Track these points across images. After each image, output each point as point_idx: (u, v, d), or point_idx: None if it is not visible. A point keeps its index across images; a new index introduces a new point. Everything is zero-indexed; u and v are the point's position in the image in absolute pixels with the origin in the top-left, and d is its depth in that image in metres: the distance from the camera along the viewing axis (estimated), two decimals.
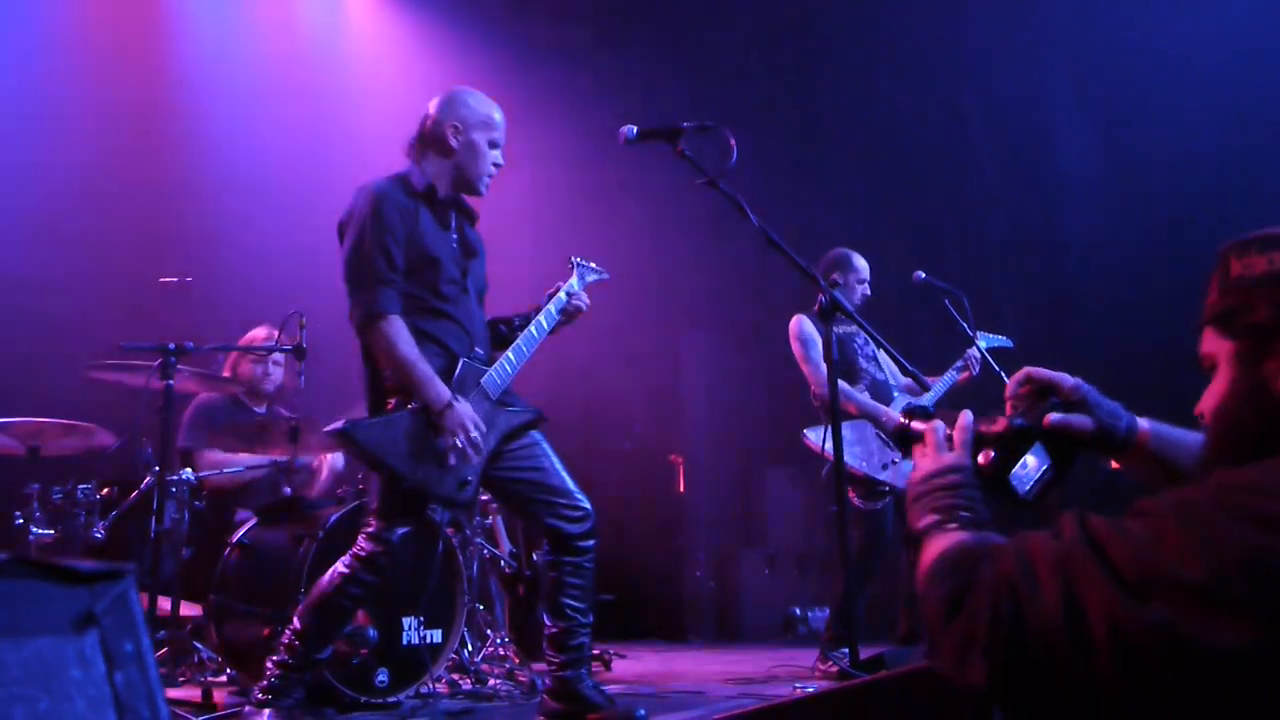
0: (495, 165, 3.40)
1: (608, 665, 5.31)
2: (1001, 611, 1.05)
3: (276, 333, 4.18)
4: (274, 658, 3.22)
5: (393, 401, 3.17)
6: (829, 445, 3.12)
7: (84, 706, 0.90)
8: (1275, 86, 6.40)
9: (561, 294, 3.52)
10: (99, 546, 4.05)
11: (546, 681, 3.36)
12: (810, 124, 7.81)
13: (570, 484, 3.36)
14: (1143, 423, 1.43)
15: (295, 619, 3.24)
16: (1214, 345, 1.19)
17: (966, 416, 1.40)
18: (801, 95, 7.73)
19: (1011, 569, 1.07)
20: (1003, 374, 4.60)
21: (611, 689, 3.66)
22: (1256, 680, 0.94)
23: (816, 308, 3.16)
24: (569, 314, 3.53)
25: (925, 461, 1.38)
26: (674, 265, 7.72)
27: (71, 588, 0.94)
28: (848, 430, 4.44)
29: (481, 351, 3.35)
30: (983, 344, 4.96)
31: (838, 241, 5.19)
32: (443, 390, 3.14)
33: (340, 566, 3.24)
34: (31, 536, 4.02)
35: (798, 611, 7.27)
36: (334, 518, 3.91)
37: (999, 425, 1.36)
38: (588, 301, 3.57)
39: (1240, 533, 0.97)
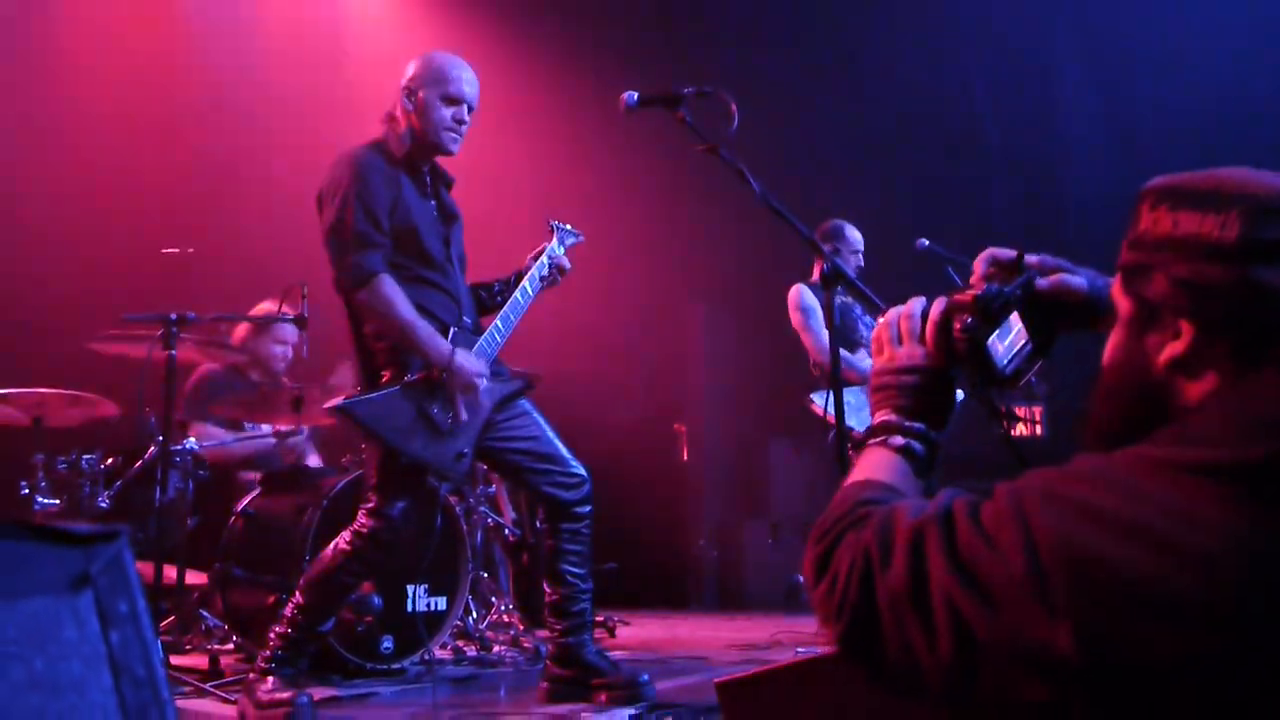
0: (458, 121, 3.25)
1: (612, 632, 5.34)
2: (855, 578, 1.02)
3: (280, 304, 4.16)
4: (277, 628, 3.22)
5: (387, 374, 3.14)
6: (833, 409, 3.11)
7: (79, 666, 0.91)
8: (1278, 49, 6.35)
9: (544, 258, 3.47)
10: (104, 516, 4.06)
11: (550, 648, 3.37)
12: (812, 91, 7.75)
13: (564, 451, 3.35)
14: None
15: (298, 592, 3.24)
16: (1118, 295, 1.10)
17: (917, 304, 1.31)
18: (803, 61, 7.67)
19: (871, 537, 1.04)
20: None
21: (615, 655, 3.69)
22: (1087, 685, 0.88)
23: (817, 275, 3.15)
24: (553, 277, 3.47)
25: (899, 351, 1.31)
26: (679, 234, 7.69)
27: (66, 549, 0.95)
28: (850, 395, 4.43)
29: (469, 320, 3.31)
30: None
31: (840, 209, 5.17)
32: (444, 345, 3.12)
33: (342, 543, 3.22)
34: (37, 506, 4.03)
35: (801, 579, 7.28)
36: (338, 486, 3.94)
37: (977, 290, 1.26)
38: (569, 265, 3.51)
39: (1061, 524, 0.91)
